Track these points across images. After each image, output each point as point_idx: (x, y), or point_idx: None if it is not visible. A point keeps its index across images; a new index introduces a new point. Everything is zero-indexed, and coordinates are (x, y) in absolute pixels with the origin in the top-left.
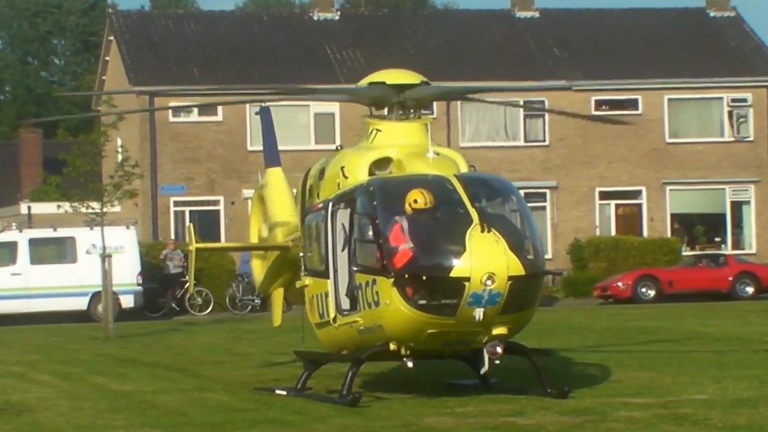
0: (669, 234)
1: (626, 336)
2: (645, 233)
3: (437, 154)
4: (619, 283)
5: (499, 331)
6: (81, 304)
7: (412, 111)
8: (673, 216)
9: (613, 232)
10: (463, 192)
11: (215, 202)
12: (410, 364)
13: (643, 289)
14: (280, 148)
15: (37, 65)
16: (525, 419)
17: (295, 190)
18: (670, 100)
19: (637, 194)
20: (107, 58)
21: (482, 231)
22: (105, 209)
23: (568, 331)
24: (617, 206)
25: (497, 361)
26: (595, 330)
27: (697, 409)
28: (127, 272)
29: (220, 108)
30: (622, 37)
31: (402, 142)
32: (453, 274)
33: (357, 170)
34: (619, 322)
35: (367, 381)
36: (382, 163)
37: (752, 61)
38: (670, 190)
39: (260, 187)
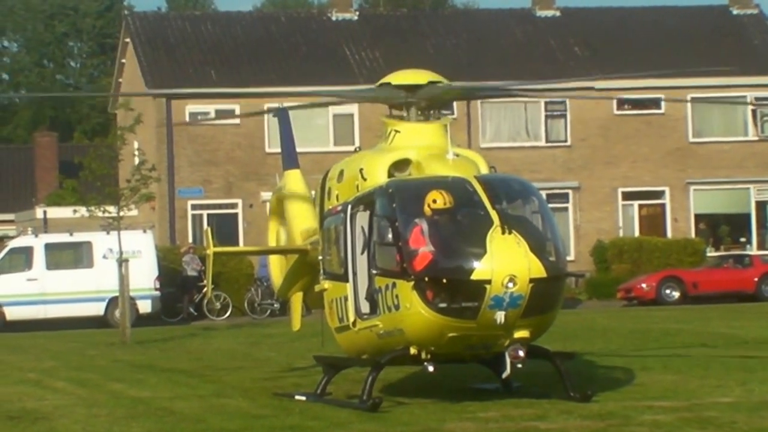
0: (693, 235)
1: (650, 338)
2: (669, 234)
3: (457, 155)
4: (643, 285)
5: (521, 334)
6: (98, 309)
7: (431, 111)
8: (697, 216)
9: (637, 233)
10: (484, 194)
11: (233, 205)
12: (431, 369)
13: (668, 291)
14: (298, 150)
15: (53, 68)
16: (548, 424)
17: (313, 193)
18: (693, 98)
19: (660, 194)
20: (123, 61)
21: (503, 233)
22: (122, 213)
23: (591, 334)
24: (640, 207)
25: (519, 365)
26: (619, 332)
27: (722, 413)
28: (145, 277)
29: (237, 109)
30: (643, 35)
31: (421, 144)
32: (474, 276)
33: (376, 172)
34: (644, 325)
35: (388, 386)
36: (401, 164)
37: None
38: (694, 190)
39: (278, 189)
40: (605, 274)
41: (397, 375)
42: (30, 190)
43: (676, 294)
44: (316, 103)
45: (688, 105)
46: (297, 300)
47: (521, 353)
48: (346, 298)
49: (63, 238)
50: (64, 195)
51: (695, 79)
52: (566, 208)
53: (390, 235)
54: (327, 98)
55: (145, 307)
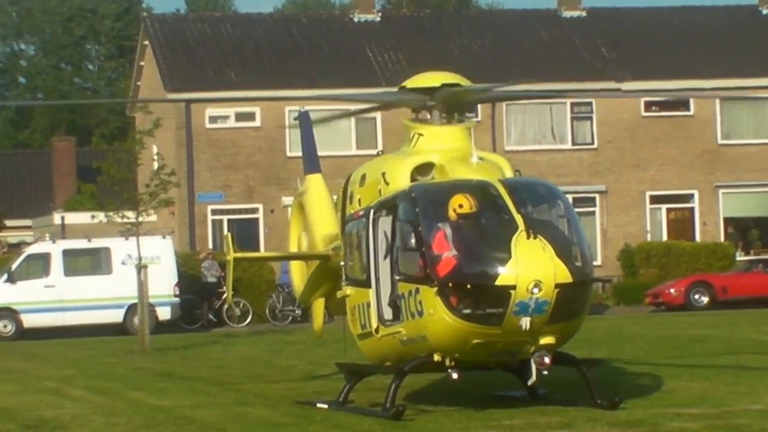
0: (722, 239)
1: (679, 344)
2: (697, 238)
3: (481, 158)
4: (672, 290)
5: (547, 340)
6: (116, 316)
7: (455, 114)
8: (727, 220)
9: (665, 238)
10: (508, 197)
11: (254, 210)
12: (455, 376)
13: (696, 296)
14: (320, 153)
15: (71, 71)
16: (574, 431)
17: (335, 197)
18: (722, 100)
19: (688, 198)
20: (142, 63)
21: (528, 237)
22: (140, 219)
23: (618, 340)
24: (668, 210)
25: (545, 372)
26: (647, 339)
27: (752, 420)
28: (164, 283)
29: (258, 113)
30: (671, 36)
31: (445, 147)
32: (498, 282)
33: (398, 176)
34: (672, 331)
35: (411, 393)
36: (424, 168)
37: None
38: (723, 193)
39: (300, 194)
40: (633, 279)
41: (420, 382)
42: (48, 195)
43: (705, 299)
44: (338, 115)
45: (717, 106)
46: (319, 306)
47: (547, 360)
48: (368, 305)
49: (81, 244)
50: (82, 200)
51: (724, 80)
52: (593, 212)
53: (413, 240)
54: (348, 105)
55: (164, 313)
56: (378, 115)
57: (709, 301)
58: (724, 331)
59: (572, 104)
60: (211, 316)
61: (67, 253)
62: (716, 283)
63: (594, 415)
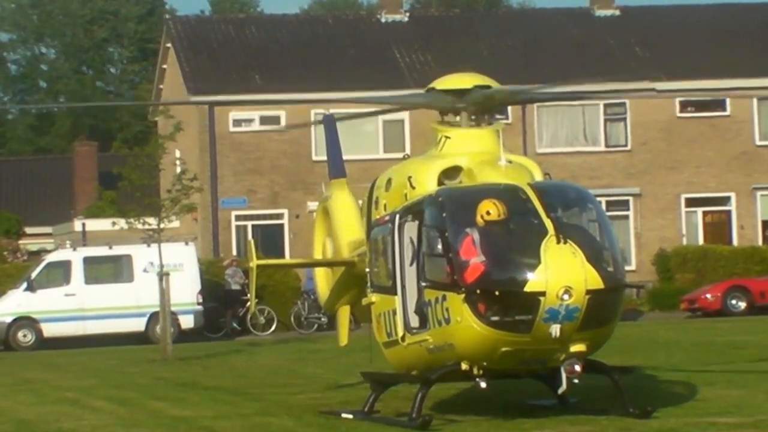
0: (760, 242)
1: (715, 351)
2: (735, 242)
3: (510, 161)
4: (708, 295)
5: (578, 348)
6: (138, 325)
7: (484, 117)
8: (765, 223)
9: (701, 241)
10: (538, 201)
11: (279, 216)
12: (483, 385)
13: (734, 301)
14: (346, 157)
15: (93, 74)
16: None
17: (360, 202)
18: (759, 100)
19: (725, 200)
20: (165, 66)
21: (558, 242)
22: (162, 225)
23: (652, 347)
24: (705, 213)
25: (576, 380)
26: (682, 345)
27: None
28: (187, 291)
29: (283, 117)
30: (707, 34)
31: (472, 150)
32: (527, 288)
33: (425, 180)
34: (708, 337)
35: (438, 403)
36: (451, 172)
37: None
38: (761, 195)
39: (324, 199)
40: (668, 284)
41: (447, 392)
42: (68, 201)
43: (743, 304)
44: (364, 112)
45: (755, 107)
46: (344, 314)
47: (578, 368)
48: (394, 312)
49: (102, 251)
50: (103, 207)
51: (761, 80)
52: (627, 216)
53: (440, 246)
54: (374, 106)
55: (187, 322)
56: (406, 118)
57: (746, 307)
58: (762, 337)
59: (605, 105)
60: (234, 325)
61: (87, 261)
62: (754, 288)
63: (626, 424)
